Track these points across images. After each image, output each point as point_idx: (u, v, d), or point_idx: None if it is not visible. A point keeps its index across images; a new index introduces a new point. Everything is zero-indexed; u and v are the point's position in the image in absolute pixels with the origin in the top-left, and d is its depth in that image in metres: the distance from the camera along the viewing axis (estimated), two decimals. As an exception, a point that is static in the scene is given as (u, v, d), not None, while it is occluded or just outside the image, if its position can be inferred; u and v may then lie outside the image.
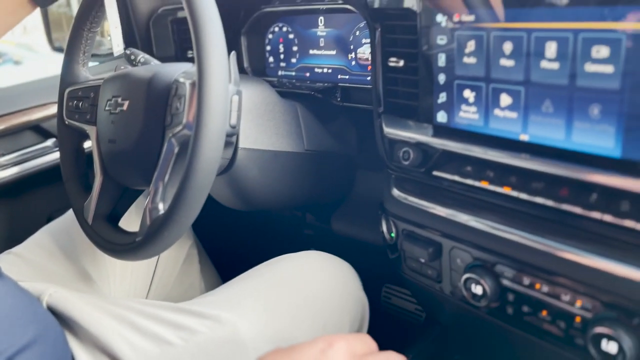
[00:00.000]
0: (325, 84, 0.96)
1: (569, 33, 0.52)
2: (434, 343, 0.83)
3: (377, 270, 0.90)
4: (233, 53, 0.69)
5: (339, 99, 0.94)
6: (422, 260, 0.69)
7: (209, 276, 1.09)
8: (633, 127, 0.49)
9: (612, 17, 0.48)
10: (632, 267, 0.49)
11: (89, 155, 0.79)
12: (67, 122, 0.82)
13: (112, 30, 0.93)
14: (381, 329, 0.97)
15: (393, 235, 0.75)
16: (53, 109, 1.13)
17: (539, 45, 0.54)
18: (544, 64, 0.54)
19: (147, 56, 0.88)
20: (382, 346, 0.54)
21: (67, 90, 0.82)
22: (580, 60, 0.51)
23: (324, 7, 0.92)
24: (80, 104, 0.80)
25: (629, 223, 0.50)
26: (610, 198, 0.52)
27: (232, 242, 1.27)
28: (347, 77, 0.95)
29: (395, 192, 0.73)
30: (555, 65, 0.54)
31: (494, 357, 0.76)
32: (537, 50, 0.54)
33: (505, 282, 0.60)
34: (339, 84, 0.95)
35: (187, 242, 1.03)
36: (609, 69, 0.49)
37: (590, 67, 0.51)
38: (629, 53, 0.48)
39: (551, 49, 0.53)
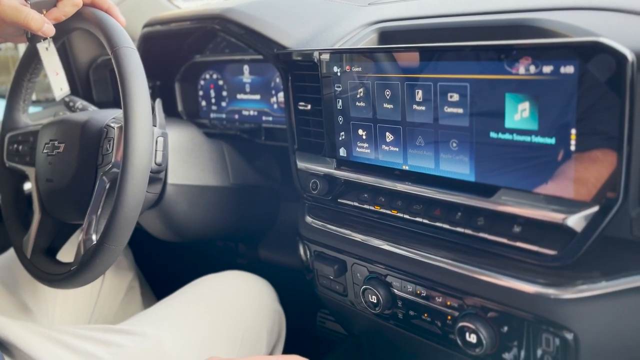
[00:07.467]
0: (252, 125, 1.07)
1: (430, 82, 0.64)
2: (347, 351, 0.92)
3: (311, 297, 0.96)
4: (158, 100, 0.79)
5: (263, 139, 1.04)
6: (331, 277, 0.79)
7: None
8: (481, 156, 0.61)
9: (460, 70, 0.61)
10: (485, 271, 0.60)
11: (28, 196, 0.86)
12: (7, 165, 0.88)
13: (51, 78, 1.01)
14: (317, 353, 1.03)
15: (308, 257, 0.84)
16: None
17: (410, 92, 0.66)
18: (415, 106, 0.66)
19: (84, 102, 0.96)
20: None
21: (7, 135, 0.89)
22: (440, 104, 0.63)
23: (247, 57, 1.04)
24: (20, 147, 0.87)
25: (483, 234, 0.62)
26: (470, 215, 0.64)
27: (173, 273, 1.33)
28: (270, 118, 1.05)
29: (308, 218, 0.83)
30: (423, 108, 0.66)
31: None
32: (409, 96, 0.67)
33: (395, 291, 0.70)
34: (263, 125, 1.06)
35: (129, 274, 1.08)
36: (459, 110, 0.62)
37: (447, 109, 0.63)
38: (472, 97, 0.60)
39: (419, 94, 0.66)
